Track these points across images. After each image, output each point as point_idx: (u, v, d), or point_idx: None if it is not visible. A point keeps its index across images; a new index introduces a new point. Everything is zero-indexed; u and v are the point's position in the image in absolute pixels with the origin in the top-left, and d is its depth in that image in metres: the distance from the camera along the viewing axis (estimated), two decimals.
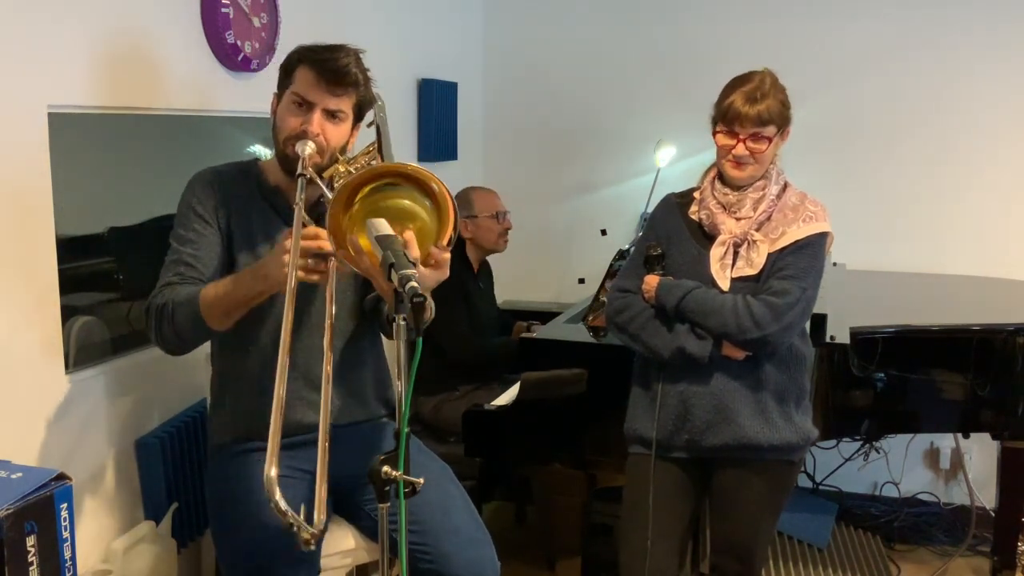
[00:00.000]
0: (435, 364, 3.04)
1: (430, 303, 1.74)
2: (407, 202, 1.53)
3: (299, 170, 1.76)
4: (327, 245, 1.59)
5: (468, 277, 3.29)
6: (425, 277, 1.55)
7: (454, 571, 1.84)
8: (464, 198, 3.29)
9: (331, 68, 1.82)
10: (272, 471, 1.31)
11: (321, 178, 1.80)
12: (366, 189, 1.54)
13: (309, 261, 1.61)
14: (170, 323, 1.77)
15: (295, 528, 1.31)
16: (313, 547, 1.34)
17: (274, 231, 1.93)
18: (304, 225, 1.64)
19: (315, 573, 1.84)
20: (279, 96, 1.91)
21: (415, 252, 1.51)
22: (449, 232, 1.56)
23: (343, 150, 1.89)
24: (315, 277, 1.62)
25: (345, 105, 1.86)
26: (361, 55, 1.89)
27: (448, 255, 1.59)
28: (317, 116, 1.83)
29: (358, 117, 1.92)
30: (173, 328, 1.78)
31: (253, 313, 1.83)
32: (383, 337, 2.13)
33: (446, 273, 1.60)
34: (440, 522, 1.87)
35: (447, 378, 3.10)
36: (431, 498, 1.86)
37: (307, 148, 1.79)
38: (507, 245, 3.40)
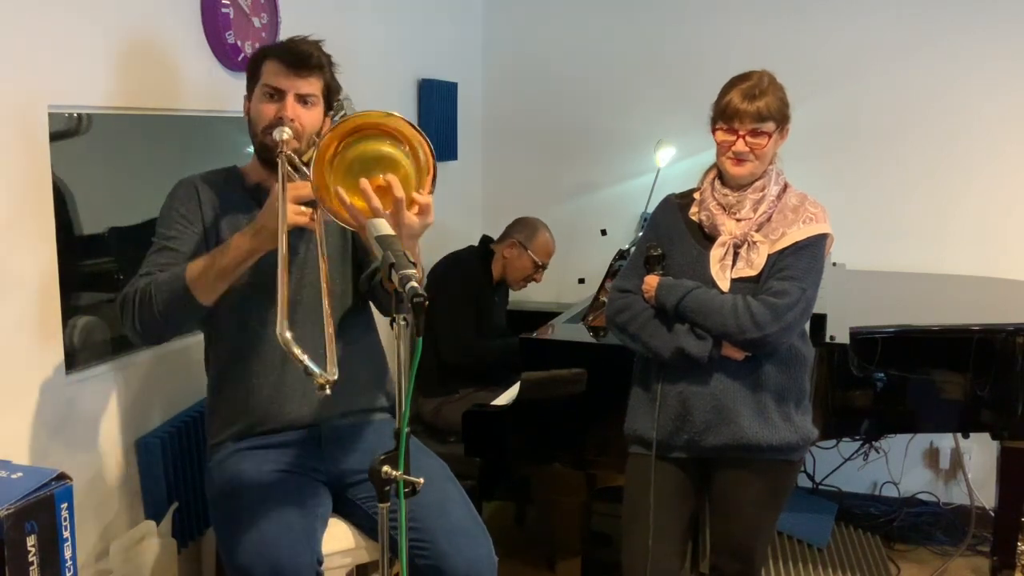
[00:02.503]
0: (434, 366, 3.04)
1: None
2: (388, 149, 1.58)
3: (279, 149, 1.81)
4: (307, 191, 1.65)
5: (486, 286, 3.30)
6: (412, 225, 1.60)
7: (452, 567, 1.85)
8: (531, 230, 3.36)
9: (295, 53, 1.89)
10: (287, 333, 1.42)
11: (303, 163, 1.83)
12: (348, 140, 1.58)
13: (303, 207, 1.69)
14: (150, 305, 1.78)
15: (309, 374, 1.41)
16: (328, 392, 1.41)
17: None
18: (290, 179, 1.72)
19: (317, 565, 1.84)
20: (249, 96, 1.96)
21: (399, 193, 1.56)
22: (430, 178, 1.61)
23: (318, 135, 1.92)
24: (304, 220, 1.69)
25: (314, 88, 1.92)
26: (322, 43, 1.95)
27: (431, 199, 1.63)
28: (290, 101, 1.89)
29: (328, 103, 1.96)
30: (153, 310, 1.78)
31: (245, 311, 1.88)
32: (377, 327, 2.13)
33: (431, 218, 1.64)
34: (438, 519, 1.88)
35: (446, 381, 3.10)
36: (429, 495, 1.87)
37: (284, 133, 1.85)
38: (520, 290, 3.49)
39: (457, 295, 3.13)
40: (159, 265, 1.86)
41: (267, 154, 1.90)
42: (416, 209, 1.60)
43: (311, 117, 1.91)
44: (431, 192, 1.63)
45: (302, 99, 1.90)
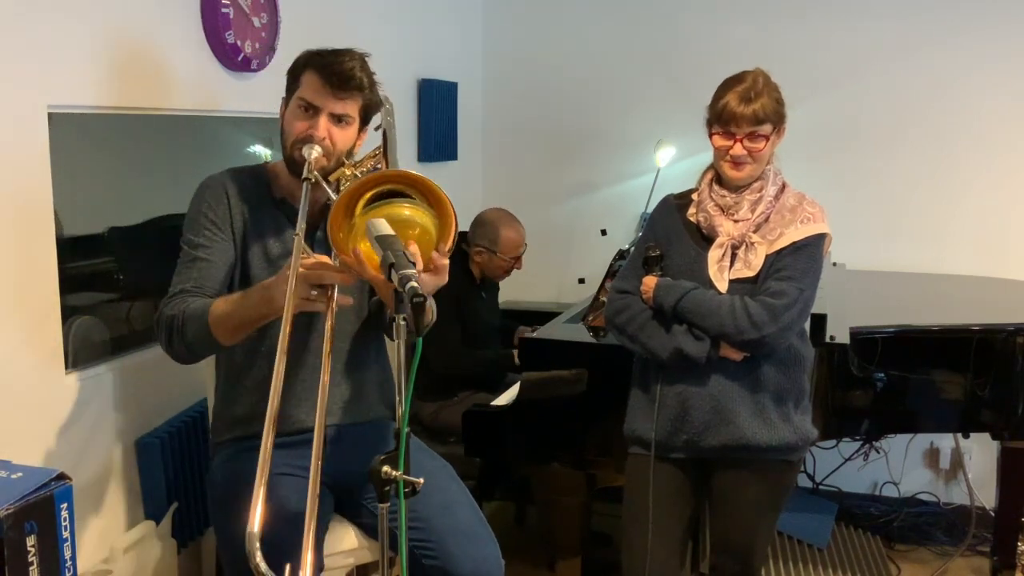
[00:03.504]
0: (426, 374, 3.02)
1: (431, 304, 1.75)
2: (407, 211, 1.53)
3: (304, 173, 1.77)
4: (329, 275, 1.59)
5: (468, 289, 3.23)
6: (425, 283, 1.56)
7: (459, 569, 1.85)
8: (492, 230, 3.22)
9: (336, 72, 1.83)
10: (255, 528, 1.27)
11: (327, 182, 1.81)
12: (368, 195, 1.55)
13: (313, 292, 1.62)
14: (180, 336, 1.78)
15: None
16: None
17: (286, 236, 1.94)
18: (306, 254, 1.64)
19: (317, 570, 1.84)
20: (287, 100, 1.92)
21: (419, 266, 1.51)
22: (450, 239, 1.57)
23: (349, 153, 1.90)
24: (320, 307, 1.63)
25: (351, 109, 1.87)
26: (367, 58, 1.90)
27: (447, 261, 1.60)
28: (323, 120, 1.84)
29: (364, 121, 1.92)
30: (183, 340, 1.79)
31: None
32: (387, 341, 2.14)
33: (445, 278, 1.62)
34: (443, 520, 1.88)
35: (444, 386, 3.09)
36: (434, 496, 1.87)
37: (313, 152, 1.80)
38: (505, 278, 3.38)
39: (440, 308, 3.07)
40: (191, 280, 1.84)
41: (295, 167, 1.87)
42: (432, 267, 1.57)
43: (344, 136, 1.87)
44: (451, 250, 1.59)
45: (336, 118, 1.85)
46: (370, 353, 2.07)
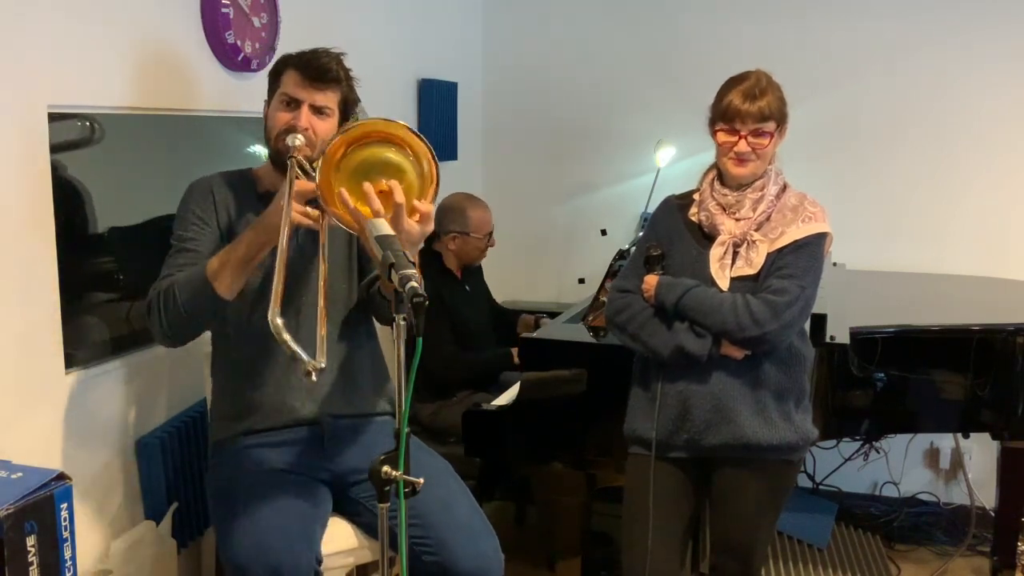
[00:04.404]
0: (427, 375, 3.01)
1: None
2: (393, 156, 1.62)
3: (288, 154, 1.85)
4: (312, 186, 1.70)
5: (450, 286, 3.20)
6: (412, 231, 1.64)
7: (459, 563, 1.86)
8: (460, 213, 3.19)
9: (314, 66, 1.93)
10: (278, 320, 1.42)
11: (312, 167, 1.84)
12: (354, 146, 1.63)
13: (308, 208, 1.72)
14: (175, 303, 1.81)
15: (296, 359, 1.41)
16: (315, 379, 1.43)
17: None
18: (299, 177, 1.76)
19: (316, 564, 1.84)
20: (268, 101, 2.00)
21: (399, 198, 1.60)
22: (433, 189, 1.66)
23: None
24: (306, 221, 1.72)
25: (330, 101, 1.96)
26: (343, 57, 1.99)
27: (432, 208, 1.68)
28: (305, 111, 1.93)
29: (344, 115, 2.00)
30: (178, 308, 1.81)
31: (249, 306, 1.91)
32: (377, 330, 2.15)
33: (430, 227, 1.69)
34: (443, 515, 1.89)
35: (443, 387, 3.08)
36: (433, 492, 1.88)
37: (296, 140, 1.89)
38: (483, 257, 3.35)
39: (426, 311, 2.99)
40: (178, 267, 1.89)
41: (280, 158, 1.93)
42: (417, 216, 1.64)
43: (325, 127, 1.95)
44: (433, 201, 1.67)
45: (317, 110, 1.94)
46: (360, 337, 2.10)
